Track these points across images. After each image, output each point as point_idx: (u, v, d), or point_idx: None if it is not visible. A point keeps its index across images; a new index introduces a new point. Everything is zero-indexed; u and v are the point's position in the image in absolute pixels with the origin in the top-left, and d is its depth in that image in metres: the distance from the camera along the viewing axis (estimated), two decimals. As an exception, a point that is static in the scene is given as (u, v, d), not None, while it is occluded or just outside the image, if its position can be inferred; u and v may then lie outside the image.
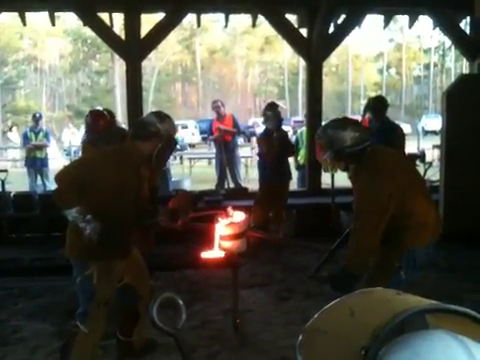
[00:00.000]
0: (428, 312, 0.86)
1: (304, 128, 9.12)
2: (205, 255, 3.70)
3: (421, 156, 7.65)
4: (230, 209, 3.57)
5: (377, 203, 2.91)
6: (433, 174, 7.47)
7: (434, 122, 27.02)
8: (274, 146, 6.17)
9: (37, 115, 10.20)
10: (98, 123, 5.77)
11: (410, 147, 9.58)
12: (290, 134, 13.07)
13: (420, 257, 3.11)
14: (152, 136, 3.14)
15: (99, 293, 3.09)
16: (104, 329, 3.25)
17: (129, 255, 3.31)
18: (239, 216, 3.58)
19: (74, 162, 3.46)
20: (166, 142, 3.19)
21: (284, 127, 7.16)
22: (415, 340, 0.79)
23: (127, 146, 3.28)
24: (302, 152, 8.64)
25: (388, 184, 2.95)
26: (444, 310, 0.86)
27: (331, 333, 0.90)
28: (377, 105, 6.01)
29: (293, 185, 9.09)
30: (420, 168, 6.26)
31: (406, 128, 20.61)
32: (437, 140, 8.49)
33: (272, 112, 6.29)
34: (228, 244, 3.53)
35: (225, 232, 3.52)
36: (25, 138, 10.16)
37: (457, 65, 44.94)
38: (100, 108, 6.77)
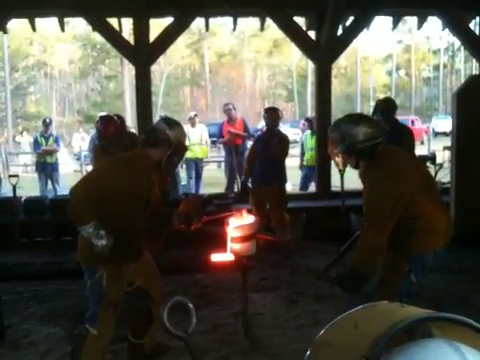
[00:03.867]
0: (426, 321, 0.88)
1: (308, 131, 9.28)
2: (214, 257, 3.69)
3: (432, 158, 7.59)
4: (244, 211, 3.57)
5: (386, 203, 2.89)
6: (444, 176, 7.42)
7: (444, 123, 26.92)
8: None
9: (47, 120, 10.28)
10: (109, 128, 5.81)
11: (420, 149, 9.52)
12: (299, 137, 13.14)
13: (429, 261, 3.08)
14: (162, 143, 3.17)
15: (108, 296, 3.11)
16: (113, 332, 3.25)
17: (140, 258, 3.32)
18: (249, 218, 3.58)
19: (87, 175, 3.46)
20: (175, 148, 3.22)
21: (293, 129, 7.21)
22: (412, 349, 0.82)
23: (138, 153, 3.33)
24: (307, 154, 9.15)
25: (398, 184, 2.93)
26: (442, 319, 0.87)
27: (336, 345, 0.93)
28: (386, 107, 5.97)
29: (296, 185, 9.32)
30: (431, 170, 6.23)
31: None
32: (448, 141, 8.43)
33: (267, 115, 6.51)
34: (238, 246, 3.52)
35: (235, 234, 3.51)
36: (35, 143, 10.25)
37: (467, 66, 44.69)
38: (109, 113, 6.81)
